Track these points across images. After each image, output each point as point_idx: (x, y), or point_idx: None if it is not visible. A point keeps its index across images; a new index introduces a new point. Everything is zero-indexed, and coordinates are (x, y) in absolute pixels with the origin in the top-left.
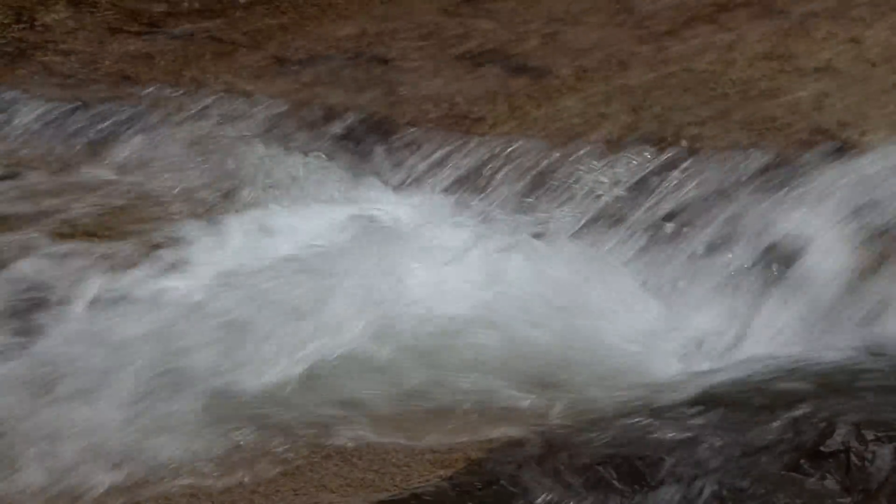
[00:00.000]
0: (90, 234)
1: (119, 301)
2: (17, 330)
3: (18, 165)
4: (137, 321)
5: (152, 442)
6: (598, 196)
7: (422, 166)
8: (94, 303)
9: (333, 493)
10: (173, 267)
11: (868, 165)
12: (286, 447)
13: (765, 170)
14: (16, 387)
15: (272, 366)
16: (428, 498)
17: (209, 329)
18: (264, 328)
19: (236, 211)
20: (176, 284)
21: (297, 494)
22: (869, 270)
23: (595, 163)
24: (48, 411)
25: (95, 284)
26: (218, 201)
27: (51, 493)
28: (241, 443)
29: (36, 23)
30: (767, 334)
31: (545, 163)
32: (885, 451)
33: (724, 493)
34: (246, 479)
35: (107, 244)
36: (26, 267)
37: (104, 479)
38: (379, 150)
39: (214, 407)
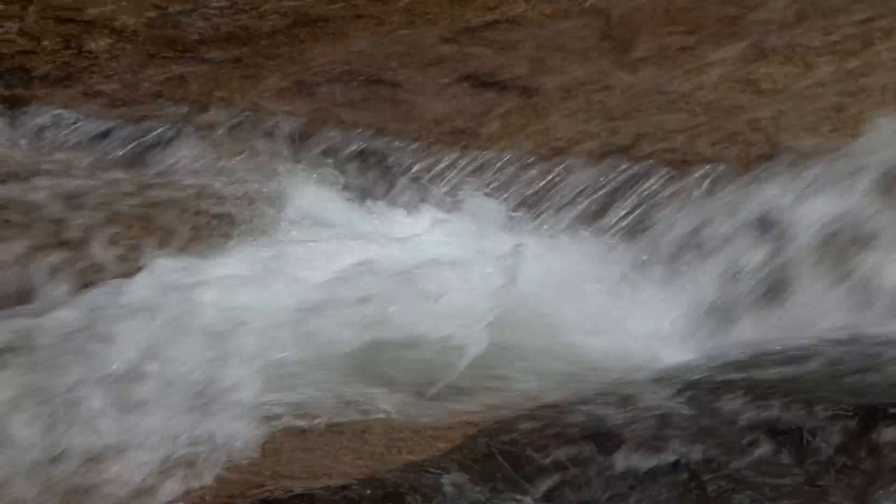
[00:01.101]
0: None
1: None
2: None
3: (66, 174)
4: None
5: None
6: (581, 202)
7: (424, 175)
8: None
9: (346, 464)
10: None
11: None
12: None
13: (727, 179)
14: None
15: None
16: (431, 468)
17: None
18: None
19: (258, 213)
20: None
21: (313, 466)
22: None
23: (578, 173)
24: None
25: None
26: (241, 205)
27: None
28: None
29: (83, 49)
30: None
31: (533, 173)
32: (834, 429)
33: (692, 463)
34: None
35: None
36: None
37: None
38: (386, 162)
39: None
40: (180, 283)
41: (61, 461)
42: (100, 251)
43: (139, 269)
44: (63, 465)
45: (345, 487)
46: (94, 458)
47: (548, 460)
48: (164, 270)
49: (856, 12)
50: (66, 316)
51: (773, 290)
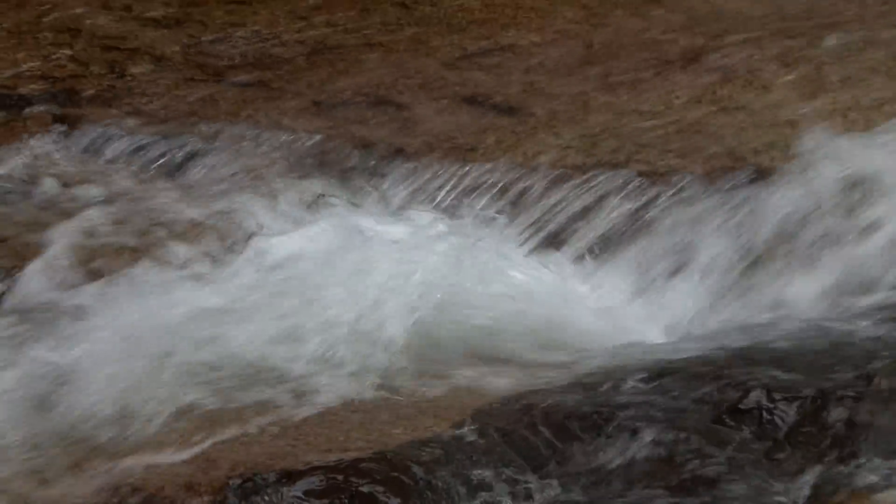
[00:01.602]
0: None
1: None
2: None
3: (112, 183)
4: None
5: None
6: (566, 208)
7: (427, 185)
8: None
9: (357, 440)
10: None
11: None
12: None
13: (694, 187)
14: None
15: None
16: (431, 442)
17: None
18: None
19: (281, 211)
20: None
21: (330, 440)
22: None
23: (563, 183)
24: None
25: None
26: (266, 206)
27: None
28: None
29: (125, 73)
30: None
31: (523, 184)
32: (789, 409)
33: (664, 440)
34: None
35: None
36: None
37: None
38: (393, 173)
39: None
40: None
41: None
42: None
43: None
44: None
45: (357, 460)
46: None
47: (538, 438)
48: None
49: (805, 42)
50: None
51: None
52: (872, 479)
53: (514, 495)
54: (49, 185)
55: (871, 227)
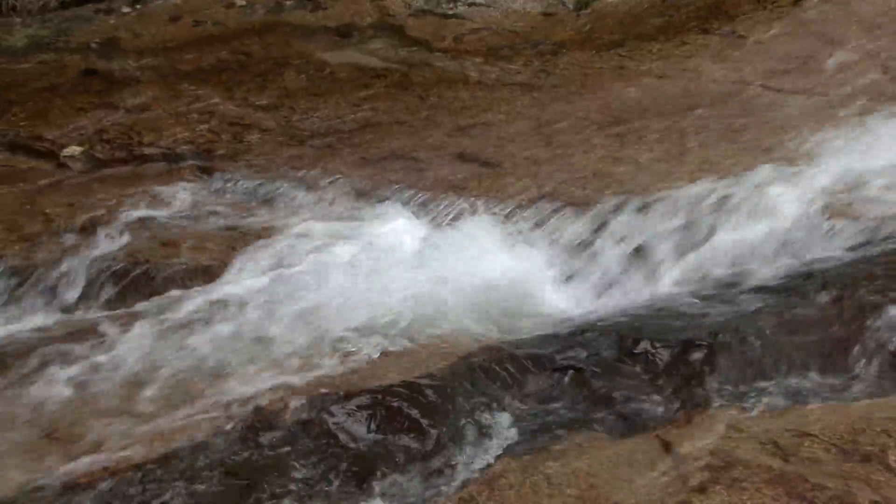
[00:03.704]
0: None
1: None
2: None
3: (232, 209)
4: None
5: None
6: (524, 223)
7: (434, 209)
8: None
9: (391, 372)
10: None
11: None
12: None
13: (602, 210)
14: None
15: None
16: (436, 375)
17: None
18: None
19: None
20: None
21: (373, 374)
22: None
23: (520, 210)
24: None
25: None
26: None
27: None
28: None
29: (243, 139)
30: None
31: (497, 210)
32: (665, 352)
33: (584, 373)
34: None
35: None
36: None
37: None
38: (412, 201)
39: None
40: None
41: None
42: None
43: None
44: None
45: (389, 386)
46: None
47: (505, 372)
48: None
49: (676, 118)
50: None
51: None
52: (718, 399)
53: (489, 407)
54: (200, 211)
55: (717, 231)
